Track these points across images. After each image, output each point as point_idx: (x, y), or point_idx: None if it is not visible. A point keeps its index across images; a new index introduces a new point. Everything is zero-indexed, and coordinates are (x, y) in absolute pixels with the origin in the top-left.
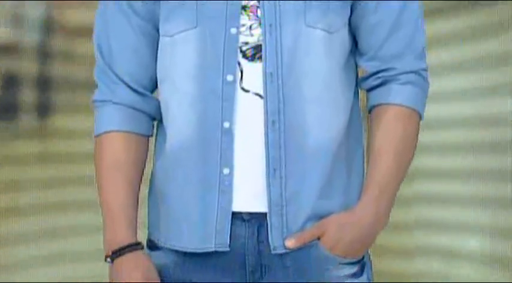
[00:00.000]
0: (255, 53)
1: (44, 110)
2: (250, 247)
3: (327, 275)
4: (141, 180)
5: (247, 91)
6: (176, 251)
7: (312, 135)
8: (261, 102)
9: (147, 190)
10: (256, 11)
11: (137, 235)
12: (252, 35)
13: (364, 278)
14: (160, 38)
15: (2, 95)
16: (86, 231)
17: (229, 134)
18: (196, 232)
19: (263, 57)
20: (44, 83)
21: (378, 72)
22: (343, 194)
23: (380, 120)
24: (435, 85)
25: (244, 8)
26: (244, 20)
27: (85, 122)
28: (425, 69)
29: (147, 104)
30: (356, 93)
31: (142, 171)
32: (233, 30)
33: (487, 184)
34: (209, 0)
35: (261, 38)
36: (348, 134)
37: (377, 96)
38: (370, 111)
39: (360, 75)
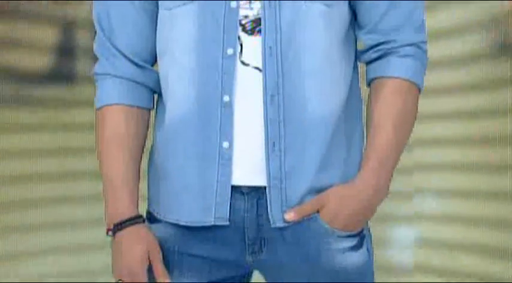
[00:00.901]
0: (255, 27)
1: None
2: (250, 220)
3: (326, 248)
4: (142, 152)
5: (246, 65)
6: (176, 224)
7: (311, 108)
8: (260, 75)
9: (147, 163)
10: None
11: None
12: (251, 9)
13: (363, 250)
14: (160, 11)
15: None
16: None
17: (228, 107)
18: (196, 205)
19: (262, 30)
20: None
21: (377, 44)
22: (342, 168)
23: (379, 93)
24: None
25: None
26: None
27: None
28: (424, 42)
29: (147, 77)
30: (355, 67)
31: (144, 144)
32: (233, 4)
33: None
34: None
35: (260, 12)
36: (347, 107)
37: (376, 69)
38: (369, 84)
39: (359, 48)
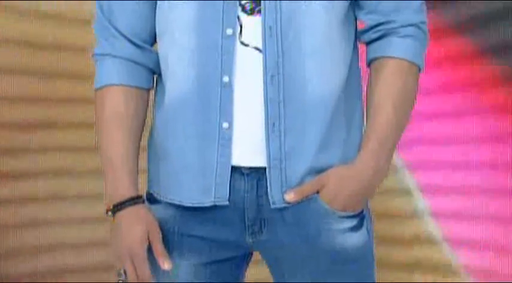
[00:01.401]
0: (254, 7)
1: None
2: (250, 201)
3: (326, 228)
4: (142, 132)
5: (246, 45)
6: (176, 205)
7: (311, 88)
8: (260, 56)
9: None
10: None
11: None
12: None
13: (363, 231)
14: None
15: None
16: None
17: (228, 88)
18: (196, 185)
19: (262, 10)
20: None
21: (377, 25)
22: (342, 148)
23: (379, 73)
24: None
25: None
26: None
27: None
28: (424, 22)
29: (147, 57)
30: (355, 47)
31: (143, 124)
32: None
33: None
34: None
35: None
36: (347, 87)
37: (376, 49)
38: (369, 64)
39: (359, 28)
